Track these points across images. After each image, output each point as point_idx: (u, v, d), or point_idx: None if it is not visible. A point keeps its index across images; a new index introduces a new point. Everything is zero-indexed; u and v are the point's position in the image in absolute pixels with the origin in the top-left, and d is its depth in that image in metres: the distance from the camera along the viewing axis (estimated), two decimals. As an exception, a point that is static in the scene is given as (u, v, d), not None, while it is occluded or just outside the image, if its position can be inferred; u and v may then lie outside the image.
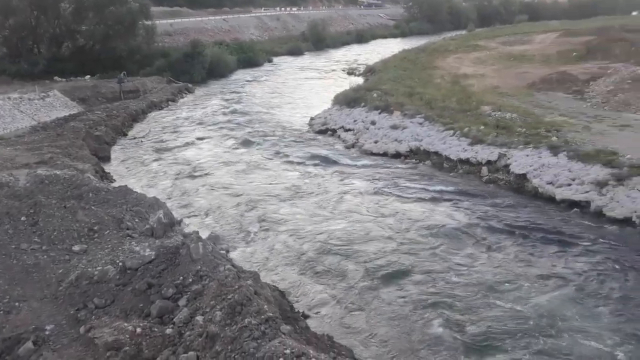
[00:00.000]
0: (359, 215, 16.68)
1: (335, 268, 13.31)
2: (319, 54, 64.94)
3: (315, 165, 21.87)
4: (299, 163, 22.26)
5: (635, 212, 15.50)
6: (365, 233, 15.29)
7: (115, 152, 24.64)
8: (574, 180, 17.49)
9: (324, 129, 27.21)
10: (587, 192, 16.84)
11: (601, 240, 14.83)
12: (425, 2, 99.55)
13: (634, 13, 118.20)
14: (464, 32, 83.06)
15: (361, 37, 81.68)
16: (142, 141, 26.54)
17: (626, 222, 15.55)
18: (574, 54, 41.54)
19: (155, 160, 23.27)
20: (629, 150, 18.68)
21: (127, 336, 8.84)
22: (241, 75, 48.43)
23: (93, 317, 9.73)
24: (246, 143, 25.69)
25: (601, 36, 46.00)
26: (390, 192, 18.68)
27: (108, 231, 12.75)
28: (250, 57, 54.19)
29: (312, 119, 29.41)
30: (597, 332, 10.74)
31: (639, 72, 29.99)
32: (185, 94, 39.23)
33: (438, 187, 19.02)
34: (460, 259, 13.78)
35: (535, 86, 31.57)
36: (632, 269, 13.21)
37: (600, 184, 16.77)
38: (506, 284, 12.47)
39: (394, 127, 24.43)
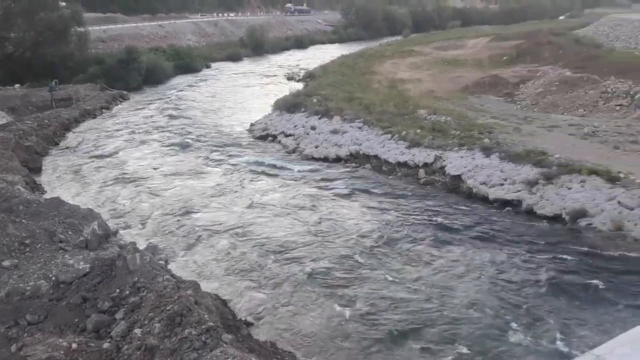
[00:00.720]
0: (299, 221, 16.59)
1: (276, 274, 13.20)
2: (258, 60, 64.50)
3: (255, 171, 21.53)
4: (238, 169, 21.89)
5: (564, 209, 15.83)
6: (304, 238, 15.19)
7: (47, 162, 23.61)
8: (505, 180, 17.78)
9: (264, 135, 26.91)
10: (518, 191, 17.12)
11: (528, 236, 15.09)
12: (362, 9, 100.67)
13: (562, 17, 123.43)
14: (399, 37, 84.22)
15: (300, 43, 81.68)
16: (74, 150, 25.61)
17: (555, 219, 15.89)
18: (505, 57, 42.69)
19: (89, 169, 22.45)
20: (557, 150, 19.19)
21: (62, 352, 8.49)
22: (179, 81, 47.44)
23: (25, 334, 9.28)
24: (183, 149, 25.14)
25: (530, 40, 47.56)
26: (331, 197, 18.64)
27: (40, 245, 12.22)
28: (188, 63, 53.16)
29: (252, 124, 29.05)
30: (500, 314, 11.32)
31: (566, 75, 31.03)
32: (120, 101, 38.15)
33: (377, 190, 19.06)
34: (395, 259, 13.88)
35: (468, 90, 32.19)
36: (555, 261, 13.57)
37: (531, 183, 17.08)
38: (432, 277, 12.84)
39: (334, 131, 24.39)
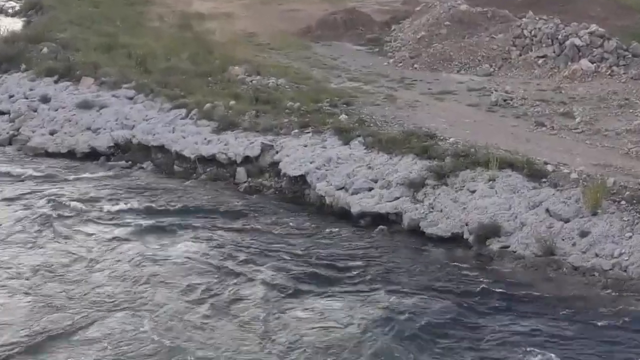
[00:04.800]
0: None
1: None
2: None
3: None
4: None
5: (467, 224, 15.83)
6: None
7: None
8: (376, 182, 17.62)
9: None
10: (396, 199, 17.01)
11: (410, 273, 14.93)
12: None
13: None
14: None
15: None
16: None
17: (455, 240, 15.91)
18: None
19: None
20: (452, 130, 19.16)
21: None
22: None
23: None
24: None
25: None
26: (76, 226, 17.31)
27: None
28: None
29: None
30: None
31: (461, 9, 30.66)
32: None
33: (161, 206, 18.25)
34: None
35: (311, 33, 31.92)
36: (450, 320, 13.17)
37: (415, 186, 16.98)
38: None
39: (85, 105, 23.26)
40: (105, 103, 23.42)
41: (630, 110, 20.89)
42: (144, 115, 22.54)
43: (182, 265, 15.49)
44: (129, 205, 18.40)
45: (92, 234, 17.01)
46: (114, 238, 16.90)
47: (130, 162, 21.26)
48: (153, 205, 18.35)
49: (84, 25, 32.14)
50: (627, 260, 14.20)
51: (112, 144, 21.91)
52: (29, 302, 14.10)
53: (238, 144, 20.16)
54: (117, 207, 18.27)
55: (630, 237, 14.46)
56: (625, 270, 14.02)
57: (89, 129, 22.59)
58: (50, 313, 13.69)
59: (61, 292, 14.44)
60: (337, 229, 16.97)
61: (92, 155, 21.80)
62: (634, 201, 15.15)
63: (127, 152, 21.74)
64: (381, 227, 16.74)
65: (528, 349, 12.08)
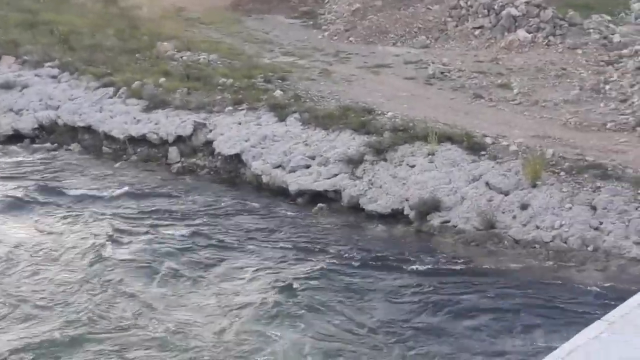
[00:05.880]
0: None
1: None
2: None
3: None
4: None
5: (407, 200, 15.91)
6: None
7: None
8: (313, 159, 17.75)
9: None
10: (334, 176, 17.15)
11: (351, 248, 15.05)
12: None
13: None
14: None
15: None
16: None
17: (395, 217, 16.06)
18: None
19: None
20: (389, 104, 19.35)
21: None
22: None
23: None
24: None
25: None
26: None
27: None
28: None
29: None
30: None
31: (396, -20, 31.28)
32: None
33: (89, 191, 18.02)
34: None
35: (242, 6, 32.14)
36: (394, 298, 13.34)
37: (353, 162, 17.14)
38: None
39: (6, 85, 23.16)
40: (27, 83, 23.21)
41: (568, 81, 21.02)
42: (69, 94, 22.32)
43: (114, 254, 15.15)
44: (50, 191, 18.15)
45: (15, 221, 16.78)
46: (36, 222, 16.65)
47: (56, 145, 21.16)
48: (81, 189, 18.17)
49: (2, 1, 31.67)
50: (567, 231, 14.31)
51: (36, 126, 21.74)
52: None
53: (169, 123, 20.08)
54: (42, 192, 18.00)
55: (570, 208, 14.57)
56: (565, 242, 14.15)
57: (11, 110, 22.35)
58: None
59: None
60: (274, 208, 17.11)
61: (16, 137, 21.59)
62: (573, 172, 15.28)
63: (53, 133, 21.62)
64: (320, 205, 16.83)
65: (471, 323, 12.24)
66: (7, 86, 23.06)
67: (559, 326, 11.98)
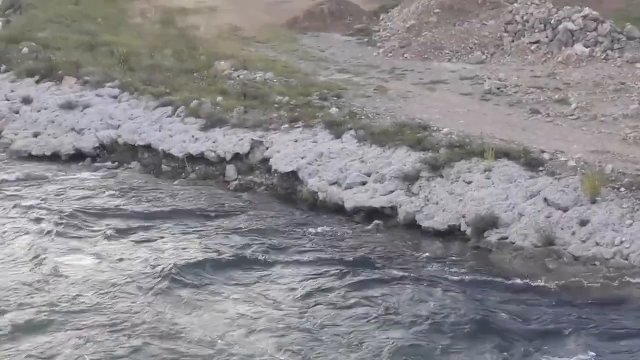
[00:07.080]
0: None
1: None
2: None
3: None
4: None
5: (463, 216, 15.75)
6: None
7: None
8: (369, 175, 17.56)
9: None
10: (390, 192, 16.96)
11: (407, 267, 14.76)
12: None
13: None
14: None
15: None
16: None
17: (452, 233, 15.90)
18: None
19: None
20: (445, 120, 19.11)
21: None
22: None
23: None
24: None
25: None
26: (63, 236, 16.60)
27: None
28: None
29: None
30: None
31: (449, -6, 31.00)
32: None
33: (151, 208, 17.98)
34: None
35: (298, 25, 31.95)
36: (452, 312, 13.03)
37: (409, 179, 16.93)
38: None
39: (68, 106, 23.09)
40: (88, 103, 23.26)
41: (627, 95, 20.81)
42: (129, 114, 22.40)
43: (174, 269, 14.92)
44: (117, 207, 18.17)
45: (82, 239, 16.54)
46: (106, 238, 16.47)
47: (116, 163, 21.17)
48: (142, 206, 18.19)
49: (63, 23, 31.82)
50: (628, 248, 14.08)
51: (97, 145, 21.78)
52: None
53: (227, 141, 20.04)
54: (105, 209, 18.03)
55: (631, 224, 14.33)
56: (626, 259, 13.90)
57: (73, 129, 22.44)
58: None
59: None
60: (331, 225, 16.97)
61: (78, 156, 21.70)
62: (633, 187, 15.04)
63: (113, 152, 21.64)
64: (376, 221, 16.71)
65: (532, 341, 12.04)
66: (69, 106, 23.07)
67: (619, 346, 11.81)
